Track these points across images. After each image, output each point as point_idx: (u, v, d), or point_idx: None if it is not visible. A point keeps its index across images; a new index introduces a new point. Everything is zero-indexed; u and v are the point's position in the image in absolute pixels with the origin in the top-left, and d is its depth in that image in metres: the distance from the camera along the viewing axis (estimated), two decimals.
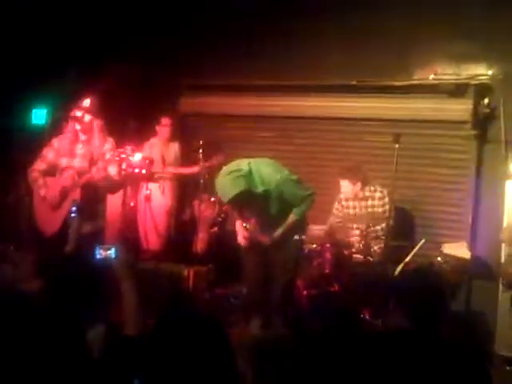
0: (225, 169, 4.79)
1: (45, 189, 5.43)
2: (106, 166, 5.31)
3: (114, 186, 5.38)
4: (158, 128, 6.86)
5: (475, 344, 5.10)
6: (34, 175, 5.47)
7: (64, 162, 5.46)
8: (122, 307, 4.94)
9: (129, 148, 5.40)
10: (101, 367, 2.66)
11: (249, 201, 4.72)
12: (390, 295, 4.92)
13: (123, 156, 5.34)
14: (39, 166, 5.49)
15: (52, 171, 5.48)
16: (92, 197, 5.38)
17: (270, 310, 4.88)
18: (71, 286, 2.85)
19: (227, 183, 4.64)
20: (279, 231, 4.95)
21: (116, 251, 4.94)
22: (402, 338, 2.72)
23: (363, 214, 6.09)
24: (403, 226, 6.20)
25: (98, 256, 4.89)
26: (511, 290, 4.80)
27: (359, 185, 6.05)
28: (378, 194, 6.07)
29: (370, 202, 6.12)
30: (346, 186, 6.10)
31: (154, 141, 6.87)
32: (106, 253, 4.89)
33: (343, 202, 6.25)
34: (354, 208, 6.20)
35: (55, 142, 5.54)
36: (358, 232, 6.00)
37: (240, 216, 5.05)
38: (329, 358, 2.52)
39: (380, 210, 6.04)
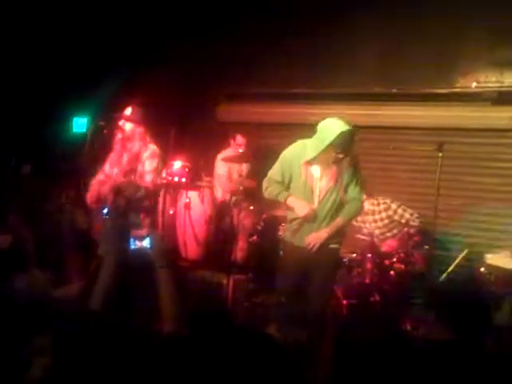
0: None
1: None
2: (142, 175, 5.34)
3: (144, 195, 5.38)
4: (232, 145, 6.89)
5: None
6: (92, 184, 5.56)
7: (114, 172, 5.52)
8: (159, 296, 4.97)
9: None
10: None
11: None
12: (432, 306, 4.84)
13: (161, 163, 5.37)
14: (99, 176, 5.57)
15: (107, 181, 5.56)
16: (124, 205, 5.40)
17: (308, 319, 4.81)
18: None
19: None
20: (324, 233, 4.73)
21: (151, 240, 4.95)
22: (443, 350, 2.65)
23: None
24: (446, 235, 6.12)
25: (133, 246, 4.91)
26: None
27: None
28: (382, 207, 6.02)
29: (377, 216, 6.07)
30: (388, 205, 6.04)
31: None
32: (141, 243, 4.90)
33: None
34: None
35: (112, 154, 5.62)
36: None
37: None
38: (370, 370, 2.47)
39: (386, 221, 5.99)
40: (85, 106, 7.46)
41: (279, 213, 6.43)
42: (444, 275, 5.39)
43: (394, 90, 6.64)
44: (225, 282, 5.79)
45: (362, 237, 6.04)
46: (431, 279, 5.41)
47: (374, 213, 6.06)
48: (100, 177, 5.56)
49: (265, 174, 4.90)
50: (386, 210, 5.99)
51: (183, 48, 7.60)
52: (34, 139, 7.34)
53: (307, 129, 7.14)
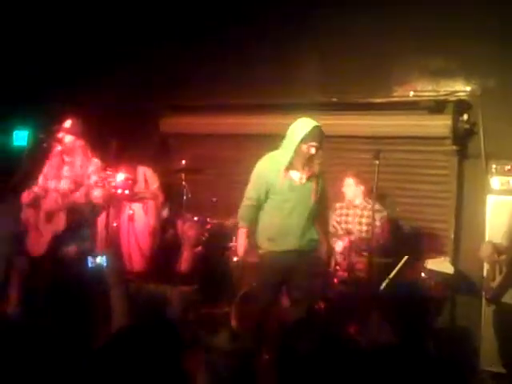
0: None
1: (34, 212, 5.44)
2: (89, 190, 5.31)
3: (98, 210, 5.36)
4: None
5: (460, 359, 5.12)
6: (25, 200, 5.47)
7: (52, 184, 5.46)
8: (111, 313, 4.97)
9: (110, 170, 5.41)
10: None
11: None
12: (375, 311, 4.92)
13: (106, 177, 5.34)
14: (33, 189, 5.49)
15: (43, 195, 5.49)
16: (77, 220, 5.37)
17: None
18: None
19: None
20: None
21: (107, 259, 4.95)
22: (387, 354, 2.71)
23: (354, 224, 6.11)
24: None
25: (90, 264, 4.90)
26: (493, 305, 4.82)
27: (362, 188, 6.07)
28: (376, 207, 6.07)
29: (365, 213, 6.12)
30: (350, 185, 6.14)
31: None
32: (97, 261, 4.90)
33: (337, 211, 6.26)
34: (347, 216, 6.21)
35: (46, 166, 5.55)
36: (340, 247, 5.99)
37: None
38: (314, 377, 2.51)
39: (378, 223, 6.03)
40: (25, 119, 7.36)
41: (225, 222, 6.48)
42: (386, 281, 5.48)
43: (334, 99, 6.73)
44: (169, 293, 5.79)
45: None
46: (374, 286, 5.50)
47: (364, 209, 6.15)
48: (35, 189, 5.49)
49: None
50: (378, 211, 6.04)
51: (127, 58, 7.56)
52: None
53: (253, 139, 7.28)
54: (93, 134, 5.80)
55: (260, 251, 5.10)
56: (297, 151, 4.76)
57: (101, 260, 4.96)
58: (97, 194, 5.31)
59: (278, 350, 2.63)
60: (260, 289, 5.08)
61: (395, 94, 6.56)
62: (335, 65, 6.74)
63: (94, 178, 5.35)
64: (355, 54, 6.61)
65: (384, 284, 5.45)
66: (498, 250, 4.48)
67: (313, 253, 5.08)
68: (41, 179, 5.55)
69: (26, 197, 5.53)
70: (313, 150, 4.78)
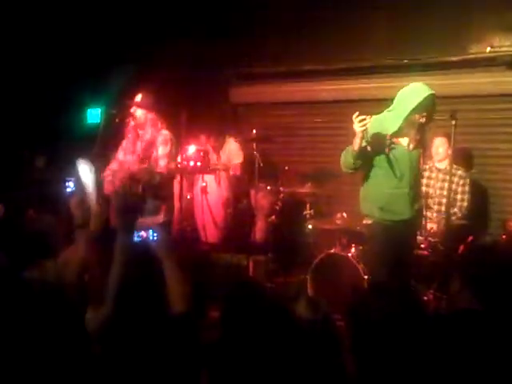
0: None
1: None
2: (156, 159, 5.34)
3: (160, 180, 5.37)
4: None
5: None
6: (106, 174, 5.57)
7: (128, 159, 5.53)
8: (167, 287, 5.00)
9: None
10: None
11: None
12: (454, 275, 4.79)
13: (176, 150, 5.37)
14: (112, 165, 5.58)
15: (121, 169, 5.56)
16: (142, 191, 5.40)
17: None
18: None
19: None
20: None
21: (154, 233, 4.98)
22: (469, 320, 2.61)
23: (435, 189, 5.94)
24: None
25: (137, 238, 4.94)
26: None
27: (450, 152, 5.76)
28: (459, 172, 5.86)
29: (455, 179, 5.85)
30: (442, 145, 5.87)
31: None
32: (145, 235, 4.94)
33: (426, 173, 6.01)
34: (430, 179, 6.03)
35: (124, 141, 5.62)
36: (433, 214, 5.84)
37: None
38: (391, 341, 2.44)
39: (460, 189, 5.87)
40: (98, 97, 7.46)
41: (297, 190, 6.43)
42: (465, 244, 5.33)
43: (406, 61, 6.55)
44: (245, 263, 5.80)
45: None
46: (452, 248, 5.35)
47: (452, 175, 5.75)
48: (113, 165, 5.57)
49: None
50: (461, 177, 5.87)
51: (193, 30, 7.56)
52: (48, 131, 7.36)
53: (323, 106, 7.19)
54: (163, 106, 5.82)
55: (369, 221, 4.88)
56: (408, 119, 4.50)
57: (148, 234, 4.98)
58: (162, 163, 5.34)
59: (353, 315, 2.57)
60: (377, 260, 4.89)
61: (471, 50, 6.32)
62: (406, 24, 6.53)
63: (161, 150, 5.37)
64: (427, 11, 6.39)
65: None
66: None
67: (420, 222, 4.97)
68: (120, 154, 5.62)
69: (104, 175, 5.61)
70: (424, 120, 4.55)
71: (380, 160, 4.66)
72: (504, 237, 5.69)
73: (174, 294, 4.97)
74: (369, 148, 4.61)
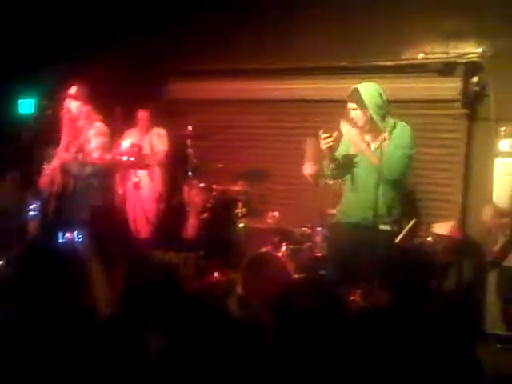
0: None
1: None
2: (89, 152, 5.28)
3: (92, 172, 5.32)
4: (139, 115, 6.75)
5: (466, 323, 5.09)
6: (45, 169, 5.48)
7: (65, 153, 5.46)
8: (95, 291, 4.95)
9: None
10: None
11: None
12: (379, 276, 4.88)
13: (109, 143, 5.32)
14: (54, 161, 5.49)
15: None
16: (73, 184, 5.33)
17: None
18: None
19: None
20: None
21: (79, 235, 4.92)
22: (387, 317, 2.67)
23: None
24: None
25: (61, 240, 4.87)
26: (497, 268, 4.78)
27: None
28: None
29: None
30: None
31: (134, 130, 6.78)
32: (70, 236, 4.88)
33: None
34: None
35: (62, 136, 5.54)
36: None
37: None
38: (309, 341, 2.48)
39: None
40: (31, 87, 7.31)
41: (230, 188, 6.45)
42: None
43: (344, 63, 6.63)
44: (175, 259, 5.79)
45: None
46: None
47: None
48: (55, 162, 5.49)
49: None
50: None
51: (132, 23, 7.49)
52: None
53: (260, 105, 7.22)
54: (99, 99, 5.76)
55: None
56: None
57: (73, 236, 4.92)
58: (95, 155, 5.28)
59: (277, 312, 2.60)
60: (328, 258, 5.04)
61: (404, 56, 6.45)
62: (341, 28, 6.62)
63: (94, 142, 5.32)
64: (362, 16, 6.49)
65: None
66: (500, 213, 4.41)
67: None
68: (61, 151, 5.54)
69: (42, 181, 5.53)
70: (352, 113, 4.68)
71: None
72: (430, 239, 5.83)
73: (101, 297, 4.92)
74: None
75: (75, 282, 2.85)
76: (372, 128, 4.76)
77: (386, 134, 4.68)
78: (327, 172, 4.80)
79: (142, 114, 6.69)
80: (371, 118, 4.67)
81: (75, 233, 4.89)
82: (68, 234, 4.83)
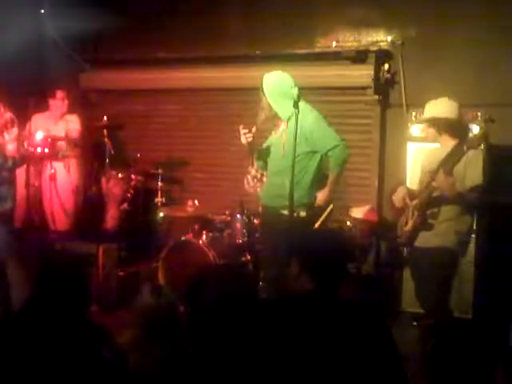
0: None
1: None
2: (3, 144, 5.12)
3: (12, 165, 5.17)
4: (52, 102, 6.58)
5: (383, 303, 5.26)
6: None
7: None
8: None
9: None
10: None
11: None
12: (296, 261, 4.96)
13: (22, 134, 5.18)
14: None
15: None
16: None
17: None
18: None
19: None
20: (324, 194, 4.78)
21: None
22: (302, 302, 2.72)
23: None
24: None
25: None
26: (407, 248, 4.97)
27: None
28: None
29: None
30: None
31: (49, 115, 6.60)
32: None
33: None
34: None
35: None
36: None
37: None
38: (223, 327, 2.50)
39: None
40: None
41: (149, 178, 6.42)
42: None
43: (258, 52, 6.68)
44: (95, 251, 5.71)
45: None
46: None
47: None
48: None
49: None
50: None
51: (44, 11, 7.29)
52: None
53: (175, 94, 7.19)
54: (7, 90, 5.59)
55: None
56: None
57: None
58: (10, 148, 5.12)
59: (193, 299, 2.62)
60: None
61: (317, 44, 6.57)
62: (256, 16, 6.69)
63: (6, 135, 5.16)
64: (277, 4, 6.57)
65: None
66: (410, 194, 4.55)
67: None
68: None
69: None
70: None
71: None
72: (348, 224, 5.97)
73: (17, 295, 4.82)
74: None
75: None
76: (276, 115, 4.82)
77: (286, 121, 4.74)
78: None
79: (55, 102, 6.50)
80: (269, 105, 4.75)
81: None
82: None
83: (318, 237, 3.30)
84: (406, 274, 5.35)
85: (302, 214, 4.65)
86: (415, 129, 5.65)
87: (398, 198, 4.65)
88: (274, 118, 4.83)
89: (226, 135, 6.69)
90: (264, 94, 4.75)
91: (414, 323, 5.17)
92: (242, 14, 6.77)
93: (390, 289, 5.62)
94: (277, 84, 4.74)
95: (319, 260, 2.84)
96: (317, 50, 6.52)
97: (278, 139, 4.80)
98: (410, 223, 4.47)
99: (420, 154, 5.34)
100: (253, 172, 5.45)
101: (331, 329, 2.56)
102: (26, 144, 5.55)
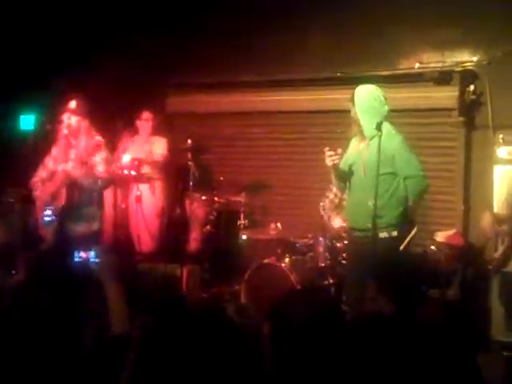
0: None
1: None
2: (92, 167, 5.31)
3: (102, 185, 5.36)
4: (139, 124, 6.79)
5: (471, 331, 5.10)
6: (35, 181, 5.50)
7: (60, 167, 5.47)
8: (108, 308, 4.96)
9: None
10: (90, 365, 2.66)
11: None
12: (380, 285, 4.90)
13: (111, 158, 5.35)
14: (40, 173, 5.51)
15: (51, 178, 5.50)
16: (79, 198, 5.37)
17: None
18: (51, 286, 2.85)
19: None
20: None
21: (96, 253, 4.90)
22: (385, 325, 2.68)
23: None
24: None
25: (78, 259, 4.85)
26: (498, 275, 4.81)
27: None
28: None
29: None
30: None
31: (136, 138, 6.81)
32: (86, 255, 4.85)
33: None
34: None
35: (54, 149, 5.56)
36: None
37: None
38: (307, 348, 2.50)
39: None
40: (32, 103, 7.36)
41: (232, 200, 6.48)
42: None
43: (338, 74, 6.68)
44: (179, 272, 5.80)
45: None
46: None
47: None
48: (42, 173, 5.50)
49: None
50: None
51: (130, 39, 7.55)
52: None
53: (259, 116, 7.26)
54: (97, 114, 5.80)
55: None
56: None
57: (90, 255, 4.89)
58: (101, 169, 5.31)
59: (274, 321, 2.62)
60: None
61: (400, 66, 6.51)
62: (338, 38, 6.68)
63: (96, 157, 5.35)
64: (358, 26, 6.56)
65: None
66: (498, 220, 4.43)
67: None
68: (50, 162, 5.56)
69: (33, 182, 5.56)
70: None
71: None
72: (432, 248, 5.85)
73: (114, 315, 4.94)
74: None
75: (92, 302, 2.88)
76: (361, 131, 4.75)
77: (368, 139, 4.64)
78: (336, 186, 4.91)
79: (142, 123, 6.71)
80: (357, 118, 4.66)
81: (91, 253, 4.86)
82: (82, 254, 4.81)
83: (403, 260, 3.23)
84: (495, 300, 5.18)
85: (394, 233, 4.54)
86: (502, 151, 5.51)
87: (485, 223, 4.52)
88: (360, 133, 4.74)
89: (308, 157, 6.70)
90: (353, 105, 4.65)
91: (505, 353, 4.99)
92: (327, 36, 6.77)
93: (477, 316, 5.45)
94: (368, 98, 4.64)
95: (403, 283, 2.80)
96: (400, 72, 6.46)
97: (357, 157, 4.72)
98: (501, 249, 4.35)
99: (508, 177, 5.21)
100: (331, 196, 5.47)
101: (415, 354, 2.52)
102: (114, 166, 5.72)
